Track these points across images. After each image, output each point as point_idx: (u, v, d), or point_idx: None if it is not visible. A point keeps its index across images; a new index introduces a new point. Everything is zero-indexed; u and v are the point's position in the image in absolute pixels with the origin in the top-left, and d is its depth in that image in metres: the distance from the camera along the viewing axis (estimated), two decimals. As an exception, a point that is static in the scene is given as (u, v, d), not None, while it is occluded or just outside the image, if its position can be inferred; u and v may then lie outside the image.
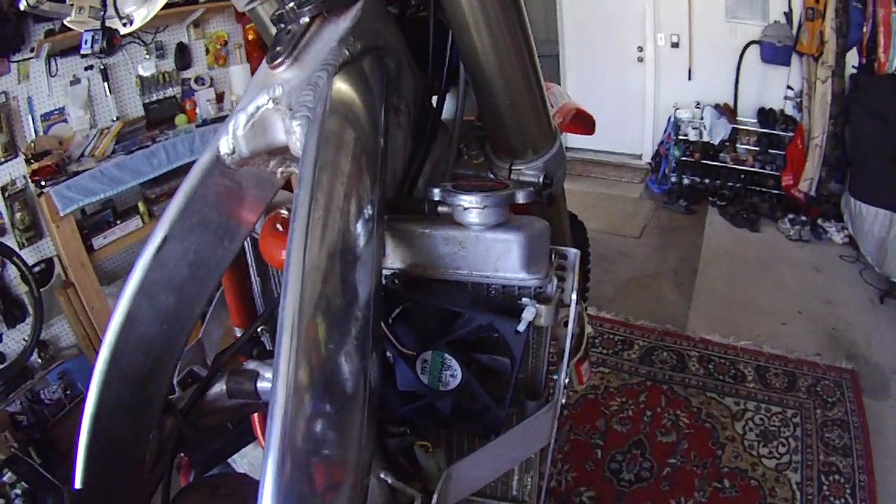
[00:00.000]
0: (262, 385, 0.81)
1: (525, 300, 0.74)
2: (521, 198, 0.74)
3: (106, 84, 3.10)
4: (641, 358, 2.99)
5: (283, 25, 0.75)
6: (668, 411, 2.63)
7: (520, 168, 0.95)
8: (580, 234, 1.95)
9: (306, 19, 0.73)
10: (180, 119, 3.29)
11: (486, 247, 0.73)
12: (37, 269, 2.81)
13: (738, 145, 4.66)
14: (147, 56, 3.28)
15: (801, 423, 2.53)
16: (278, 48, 0.73)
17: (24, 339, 2.81)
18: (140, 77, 3.27)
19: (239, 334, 1.04)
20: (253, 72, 3.45)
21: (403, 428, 0.80)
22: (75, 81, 2.98)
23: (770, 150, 4.48)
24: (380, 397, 0.74)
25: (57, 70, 2.90)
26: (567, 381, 0.89)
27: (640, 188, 5.18)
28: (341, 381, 0.58)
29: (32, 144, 2.76)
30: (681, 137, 4.85)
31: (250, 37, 3.64)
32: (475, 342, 0.77)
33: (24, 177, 2.72)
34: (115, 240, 2.86)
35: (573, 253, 0.80)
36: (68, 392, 2.92)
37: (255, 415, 0.98)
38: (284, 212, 0.87)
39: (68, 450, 2.51)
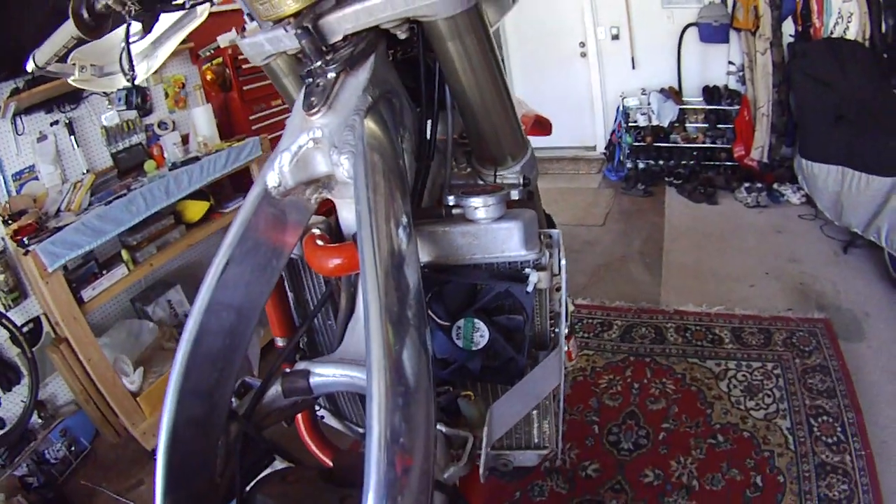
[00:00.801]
0: (314, 381, 0.94)
1: (528, 270, 0.95)
2: (515, 195, 0.97)
3: (73, 138, 3.12)
4: (622, 336, 3.11)
5: (311, 80, 0.90)
6: (654, 381, 2.76)
7: (502, 173, 1.13)
8: (549, 224, 2.12)
9: (333, 74, 0.88)
10: (149, 165, 3.32)
11: (494, 235, 0.93)
12: (25, 329, 2.80)
13: (687, 125, 4.86)
14: (109, 106, 3.30)
15: (782, 374, 2.66)
16: (313, 98, 0.87)
17: (21, 401, 2.80)
18: (105, 128, 3.28)
19: (281, 343, 1.18)
20: (215, 111, 3.53)
21: (447, 387, 0.99)
22: (42, 138, 2.99)
23: (719, 125, 4.69)
24: None
25: (23, 128, 2.92)
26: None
27: (598, 178, 5.35)
28: (410, 375, 0.72)
29: (7, 205, 2.76)
30: (631, 124, 5.03)
31: (209, 77, 3.69)
32: (494, 309, 0.98)
33: (3, 238, 2.72)
34: (103, 290, 2.88)
35: (556, 233, 1.01)
36: (72, 448, 2.92)
37: (300, 414, 1.10)
38: (318, 231, 1.01)
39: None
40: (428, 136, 1.06)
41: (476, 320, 0.95)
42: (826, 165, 3.63)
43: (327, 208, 1.03)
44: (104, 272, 2.92)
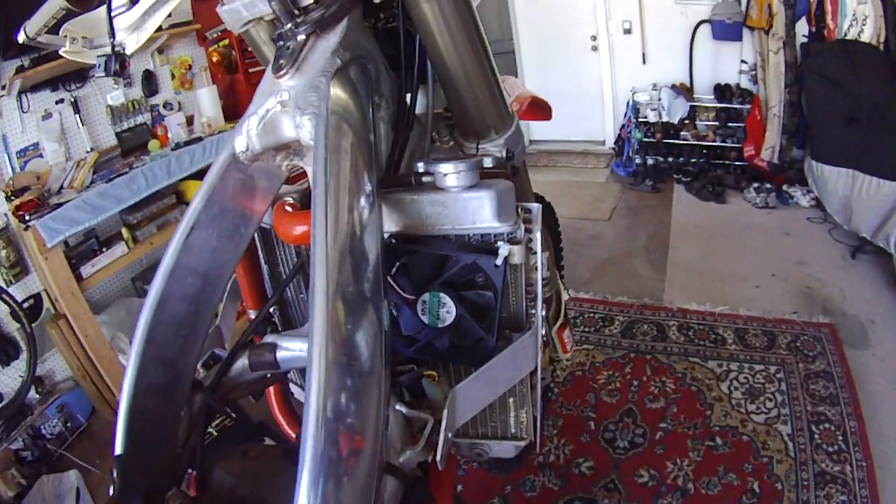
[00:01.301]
0: (281, 355, 0.92)
1: (500, 243, 0.88)
2: (487, 162, 0.91)
3: (77, 116, 3.14)
4: (623, 332, 3.08)
5: (282, 42, 0.88)
6: (653, 379, 2.72)
7: (485, 146, 1.08)
8: (550, 216, 2.08)
9: (303, 37, 0.87)
10: (153, 145, 3.33)
11: (465, 204, 0.88)
12: (25, 304, 2.81)
13: (697, 122, 4.80)
14: (115, 85, 3.31)
15: (785, 378, 2.61)
16: (281, 61, 0.86)
17: (19, 376, 2.81)
18: (110, 107, 3.30)
19: (253, 316, 1.14)
20: (220, 93, 3.53)
21: (411, 366, 0.94)
22: (47, 116, 3.01)
23: (729, 124, 4.62)
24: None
25: (29, 106, 2.94)
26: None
27: (606, 173, 5.30)
28: (361, 351, 0.69)
29: (11, 181, 2.78)
30: (641, 120, 4.98)
31: (214, 59, 3.69)
32: (463, 284, 0.92)
33: (5, 214, 2.73)
34: (102, 267, 2.89)
35: (536, 207, 0.95)
36: (69, 424, 2.94)
37: (272, 388, 1.08)
38: (290, 199, 0.99)
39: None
40: (407, 107, 1.03)
41: (442, 294, 0.88)
42: (836, 168, 3.58)
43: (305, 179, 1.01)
44: (104, 250, 2.93)
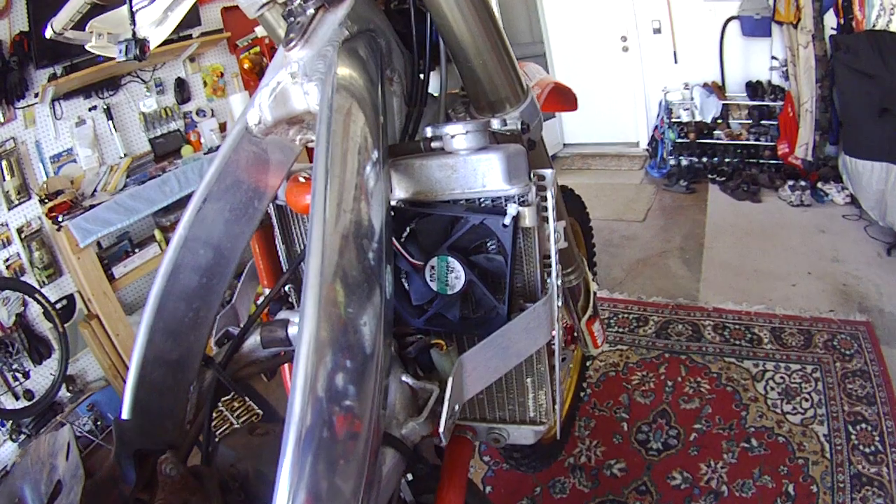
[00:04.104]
0: (293, 331, 0.91)
1: (510, 204, 0.86)
2: (495, 124, 0.89)
3: (111, 123, 3.21)
4: (657, 332, 3.02)
5: (292, 18, 0.90)
6: (688, 379, 2.65)
7: (500, 118, 1.05)
8: (577, 204, 2.06)
9: (311, 10, 0.88)
10: (186, 150, 3.38)
11: (474, 166, 0.86)
12: (59, 305, 2.88)
13: (730, 121, 4.72)
14: (147, 93, 3.39)
15: (821, 378, 2.54)
16: (291, 34, 0.88)
17: (51, 375, 2.89)
18: (143, 114, 3.37)
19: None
20: (251, 98, 3.59)
21: (419, 335, 0.90)
22: (80, 122, 3.08)
23: (762, 122, 4.54)
24: (396, 314, 0.86)
25: (62, 113, 3.02)
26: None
27: (640, 174, 5.24)
28: (357, 326, 0.67)
29: (45, 185, 2.85)
30: (674, 120, 4.92)
31: (246, 66, 3.74)
32: (474, 250, 0.90)
33: (39, 217, 2.81)
34: (134, 268, 2.94)
35: (550, 172, 0.91)
36: (98, 423, 2.98)
37: (287, 366, 1.06)
38: (305, 174, 1.00)
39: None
40: (421, 81, 1.05)
41: (450, 259, 0.86)
42: (870, 162, 3.50)
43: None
44: (137, 251, 2.98)
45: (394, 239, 0.85)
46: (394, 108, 0.99)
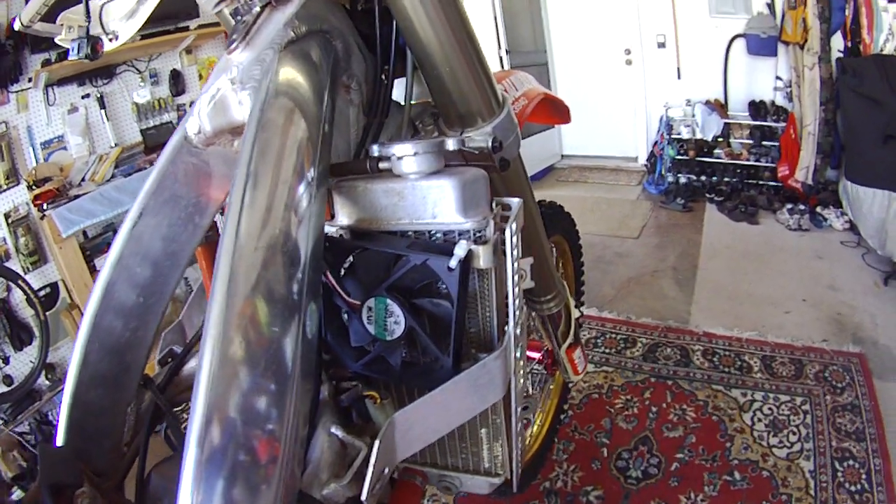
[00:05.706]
0: None
1: (462, 241, 0.76)
2: (450, 145, 0.79)
3: (103, 111, 3.17)
4: (645, 355, 2.97)
5: (239, 17, 0.82)
6: (673, 406, 2.61)
7: (470, 135, 0.97)
8: (568, 226, 1.99)
9: (257, 9, 0.80)
10: (177, 142, 3.34)
11: (423, 194, 0.77)
12: (42, 293, 2.86)
13: (731, 140, 4.68)
14: (142, 83, 3.35)
15: (810, 411, 2.49)
16: (234, 36, 0.80)
17: (31, 362, 2.86)
18: (136, 104, 3.34)
19: None
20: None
21: (355, 382, 0.82)
22: (73, 110, 3.05)
23: (764, 143, 4.50)
24: (333, 355, 0.79)
25: (55, 99, 2.97)
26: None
27: (637, 190, 5.20)
28: (263, 357, 0.61)
29: (34, 171, 2.82)
30: (674, 136, 4.88)
31: (243, 59, 3.70)
32: (419, 291, 0.80)
33: (27, 203, 2.77)
34: (116, 261, 2.90)
35: (516, 202, 0.83)
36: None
37: None
38: None
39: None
40: (384, 89, 0.96)
41: (389, 301, 0.76)
42: (872, 189, 3.46)
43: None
44: (120, 244, 2.93)
45: (328, 273, 0.77)
46: (349, 118, 0.91)
